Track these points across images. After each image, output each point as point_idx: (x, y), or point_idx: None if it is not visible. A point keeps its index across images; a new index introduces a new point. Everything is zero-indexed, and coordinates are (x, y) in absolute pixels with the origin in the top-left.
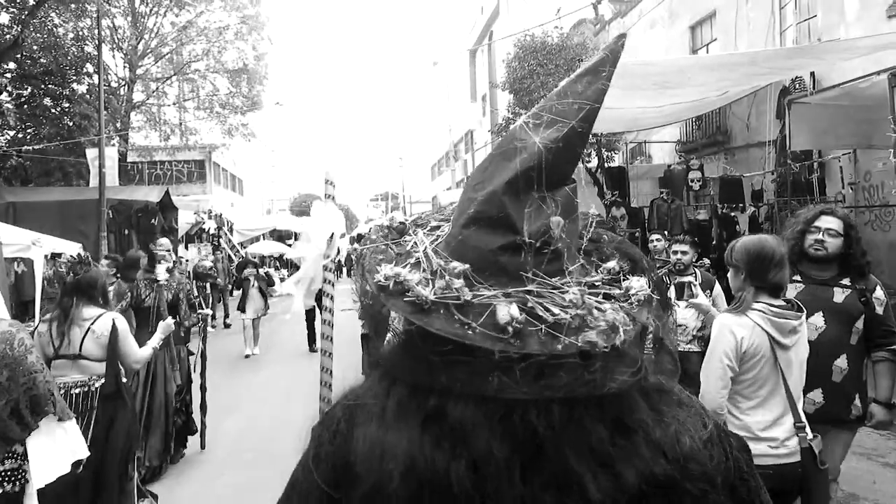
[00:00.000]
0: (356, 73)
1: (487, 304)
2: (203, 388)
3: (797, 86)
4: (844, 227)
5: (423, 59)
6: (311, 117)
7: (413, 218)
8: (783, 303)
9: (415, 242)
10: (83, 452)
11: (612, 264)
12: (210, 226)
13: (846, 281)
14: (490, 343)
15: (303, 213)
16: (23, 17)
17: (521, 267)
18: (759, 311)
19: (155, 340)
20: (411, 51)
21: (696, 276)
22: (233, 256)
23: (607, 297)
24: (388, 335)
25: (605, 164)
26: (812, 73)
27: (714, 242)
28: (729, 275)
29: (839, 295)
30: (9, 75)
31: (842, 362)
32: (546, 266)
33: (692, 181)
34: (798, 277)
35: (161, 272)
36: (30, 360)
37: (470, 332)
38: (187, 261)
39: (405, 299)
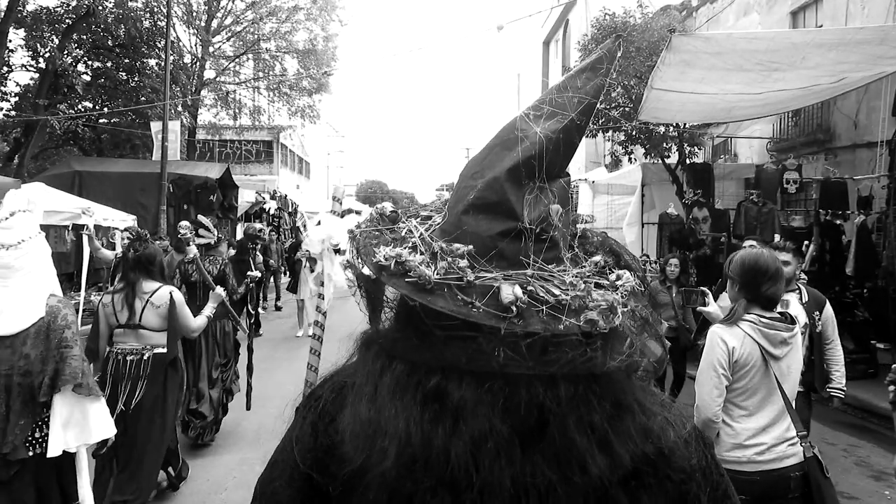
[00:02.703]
0: (426, 58)
1: (490, 285)
2: (250, 350)
3: None
4: None
5: (495, 53)
6: (379, 103)
7: (403, 209)
8: (777, 315)
9: (409, 230)
10: (110, 432)
11: (597, 258)
12: (271, 206)
13: None
14: (494, 321)
15: (368, 199)
16: None
17: (520, 252)
18: (750, 322)
19: (208, 309)
20: (482, 45)
21: (800, 294)
22: (302, 232)
23: (598, 286)
24: (384, 315)
25: (687, 160)
26: None
27: (815, 254)
28: (727, 286)
29: None
30: (80, 50)
31: None
32: (545, 253)
33: (788, 183)
34: None
35: (192, 252)
36: (66, 334)
37: (474, 310)
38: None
39: (407, 279)
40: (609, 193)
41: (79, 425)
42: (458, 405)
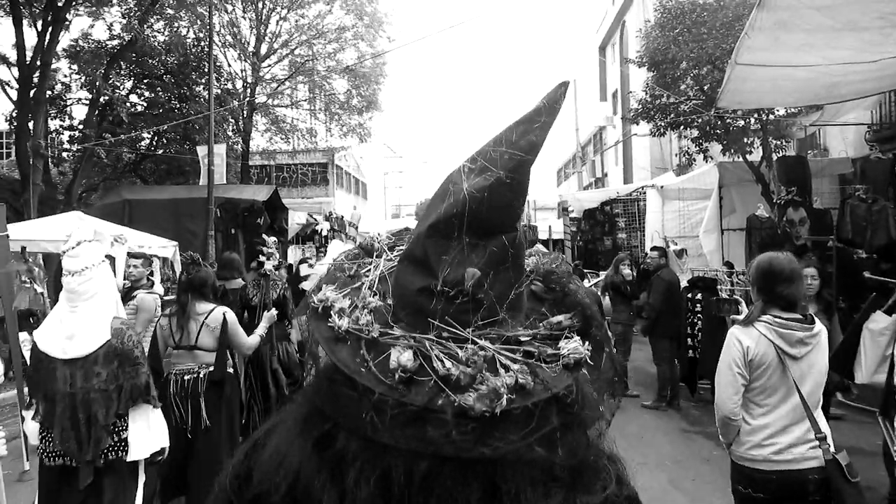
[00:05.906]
0: (479, 69)
1: (390, 344)
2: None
3: None
4: None
5: (551, 58)
6: (433, 118)
7: (394, 239)
8: (798, 316)
9: (372, 267)
10: (164, 441)
11: (559, 319)
12: (323, 227)
13: None
14: (375, 385)
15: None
16: (139, 13)
17: (432, 313)
18: (765, 322)
19: (261, 329)
20: (538, 53)
21: None
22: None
23: (528, 354)
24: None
25: (774, 155)
26: None
27: None
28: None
29: None
30: (130, 80)
31: None
32: (460, 316)
33: None
34: None
35: (269, 266)
36: (135, 353)
37: (363, 370)
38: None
39: (327, 324)
40: (681, 199)
41: (146, 434)
42: (339, 458)
